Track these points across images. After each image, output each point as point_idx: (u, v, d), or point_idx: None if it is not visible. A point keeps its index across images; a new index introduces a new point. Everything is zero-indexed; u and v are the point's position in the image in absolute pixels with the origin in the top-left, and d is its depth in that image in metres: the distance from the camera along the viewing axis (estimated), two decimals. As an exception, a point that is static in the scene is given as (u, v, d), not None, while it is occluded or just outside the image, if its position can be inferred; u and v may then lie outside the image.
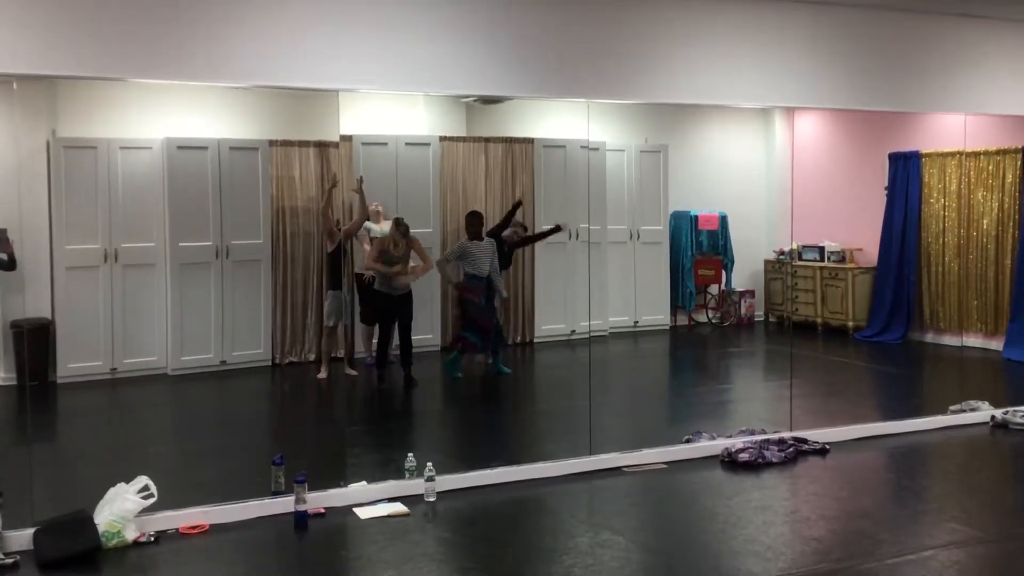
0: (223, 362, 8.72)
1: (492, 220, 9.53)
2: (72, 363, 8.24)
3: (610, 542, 4.62)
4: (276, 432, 6.96)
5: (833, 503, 5.24)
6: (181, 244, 8.62)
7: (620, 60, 5.91)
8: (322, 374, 8.40)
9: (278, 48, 5.13)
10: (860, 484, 5.70)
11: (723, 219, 11.17)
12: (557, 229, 8.69)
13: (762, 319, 11.39)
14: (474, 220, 8.31)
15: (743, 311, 11.28)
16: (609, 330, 9.32)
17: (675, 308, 11.01)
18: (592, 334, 9.32)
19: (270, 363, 8.89)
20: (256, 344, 8.92)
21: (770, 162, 11.63)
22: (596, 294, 8.76)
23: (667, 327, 10.69)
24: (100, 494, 4.82)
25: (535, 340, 9.86)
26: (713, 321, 11.18)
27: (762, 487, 5.39)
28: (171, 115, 8.67)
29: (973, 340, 9.15)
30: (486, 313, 8.07)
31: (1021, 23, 7.08)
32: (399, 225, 7.62)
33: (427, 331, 8.62)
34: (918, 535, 4.70)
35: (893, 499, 4.44)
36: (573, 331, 9.30)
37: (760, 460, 5.64)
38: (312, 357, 9.05)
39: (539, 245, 9.80)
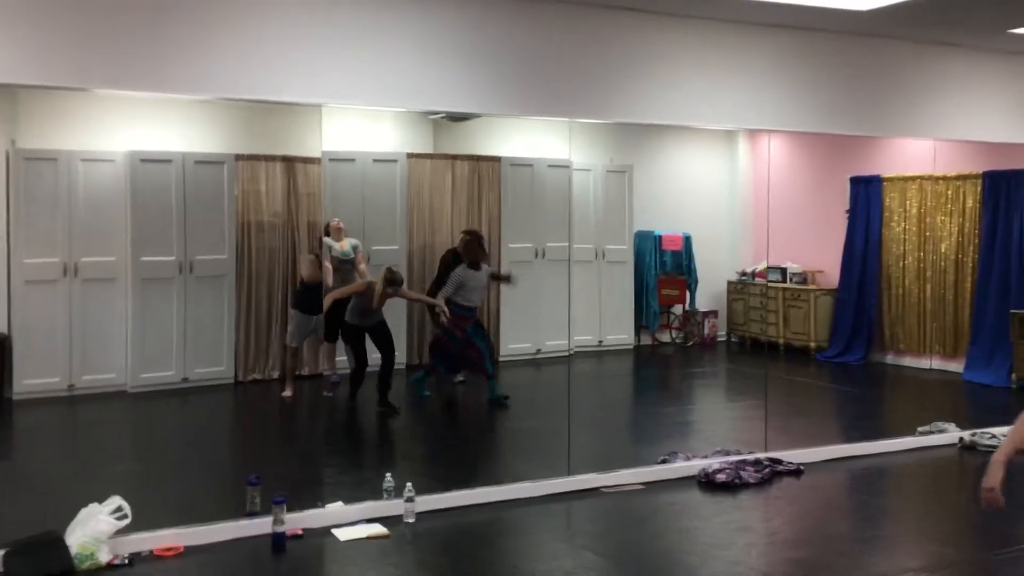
0: (185, 379, 8.55)
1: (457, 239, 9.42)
2: (29, 379, 8.03)
3: (594, 565, 4.59)
4: (245, 451, 6.83)
5: (812, 524, 5.27)
6: (143, 258, 8.46)
7: (601, 80, 5.92)
8: (287, 392, 8.28)
9: (256, 61, 5.04)
10: (837, 505, 5.75)
11: (687, 239, 11.27)
12: (507, 279, 8.47)
13: (724, 339, 11.49)
14: (474, 246, 8.02)
15: (706, 331, 11.37)
16: (574, 349, 9.31)
17: (639, 328, 11.06)
18: (557, 353, 9.33)
19: (233, 381, 8.74)
20: (219, 361, 8.77)
21: (733, 183, 11.77)
22: (562, 313, 8.73)
23: (631, 346, 10.73)
24: (68, 514, 4.67)
25: (500, 359, 9.83)
26: (676, 341, 11.24)
27: (741, 508, 5.41)
28: (135, 128, 8.53)
29: (933, 362, 9.31)
30: (463, 345, 7.89)
31: (984, 51, 7.25)
32: (392, 282, 7.33)
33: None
34: (898, 557, 4.74)
35: (871, 520, 4.47)
36: (539, 350, 9.29)
37: (737, 481, 5.66)
38: (276, 375, 8.92)
39: (506, 263, 9.78)
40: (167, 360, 8.52)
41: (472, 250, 7.94)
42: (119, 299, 8.42)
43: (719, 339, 11.46)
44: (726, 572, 4.37)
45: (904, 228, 9.79)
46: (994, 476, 3.17)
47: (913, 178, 9.68)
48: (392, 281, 7.38)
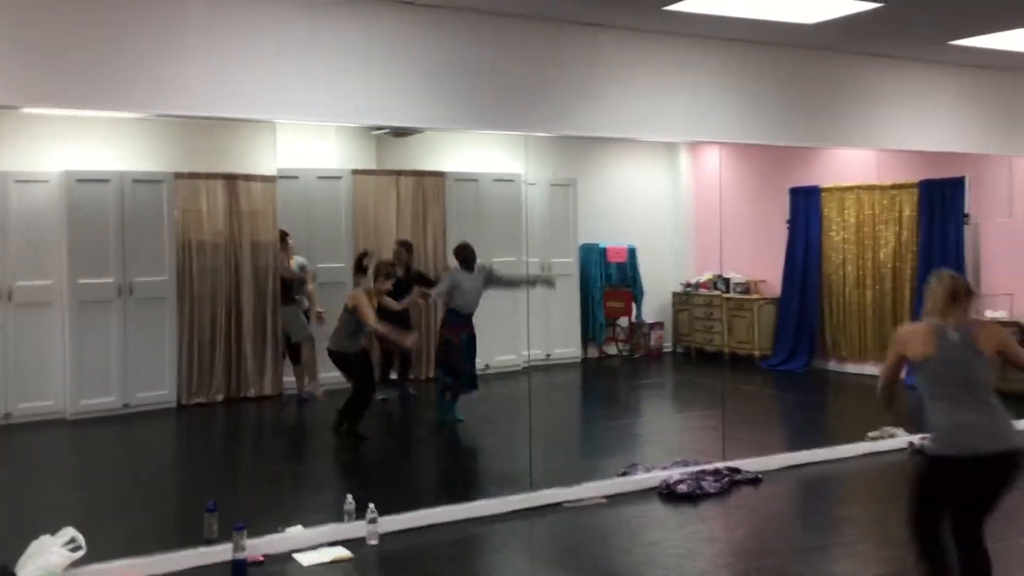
0: (126, 404, 8.31)
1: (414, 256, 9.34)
2: (-38, 409, 7.73)
3: (567, 581, 4.56)
4: (195, 477, 6.64)
5: (776, 533, 5.30)
6: (81, 281, 8.21)
7: (553, 93, 5.93)
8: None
9: (205, 78, 4.93)
10: (798, 513, 5.81)
11: (632, 251, 11.35)
12: (549, 283, 8.17)
13: (670, 350, 11.59)
14: (467, 251, 7.78)
15: (652, 342, 11.45)
16: (523, 364, 9.29)
17: (586, 340, 11.09)
18: (506, 368, 9.28)
19: (176, 404, 8.52)
20: (161, 385, 8.53)
21: (675, 195, 11.90)
22: (509, 328, 8.69)
23: (579, 359, 10.75)
24: (16, 546, 4.48)
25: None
26: (623, 353, 11.30)
27: (704, 518, 5.42)
28: (70, 147, 8.29)
29: (874, 368, 9.50)
30: (461, 355, 7.57)
31: (925, 63, 7.44)
32: (389, 274, 7.38)
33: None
34: (863, 563, 4.80)
35: (831, 528, 4.53)
36: (488, 365, 9.22)
37: (698, 491, 5.68)
38: (220, 398, 8.72)
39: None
40: (107, 385, 8.27)
41: (463, 249, 7.74)
42: (56, 323, 8.15)
43: (665, 350, 11.56)
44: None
45: (843, 237, 9.99)
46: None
47: (851, 188, 9.89)
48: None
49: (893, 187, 9.53)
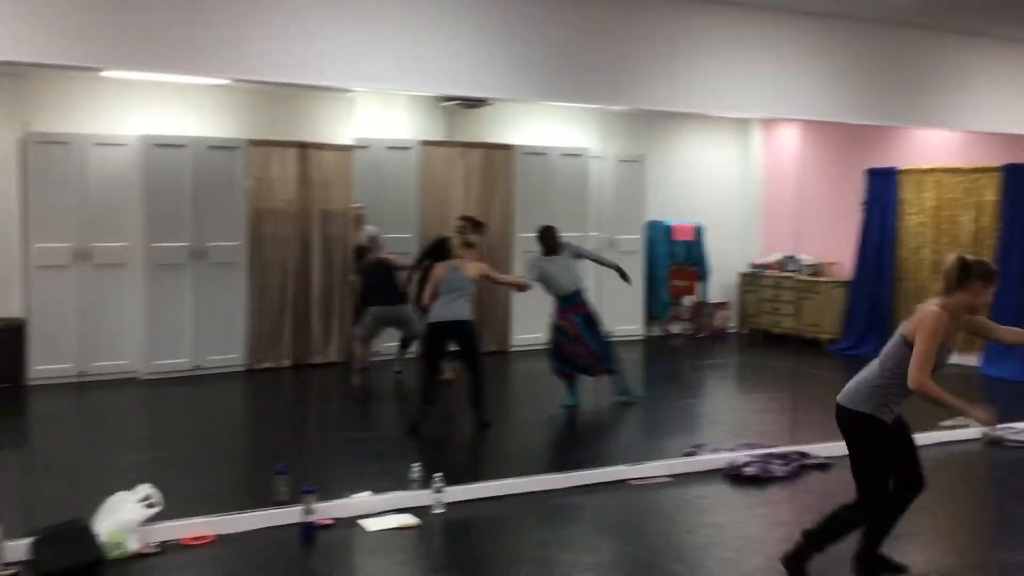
0: (197, 366, 8.48)
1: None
2: (41, 365, 7.96)
3: (633, 557, 4.53)
4: (265, 439, 6.76)
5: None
6: (156, 244, 8.36)
7: (628, 67, 5.84)
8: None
9: (286, 45, 4.95)
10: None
11: (699, 230, 11.21)
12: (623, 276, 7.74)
13: (735, 331, 11.45)
14: (548, 234, 7.43)
15: (717, 323, 11.32)
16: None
17: (649, 319, 11.01)
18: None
19: (245, 368, 8.68)
20: (231, 348, 8.70)
21: (746, 174, 11.71)
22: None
23: (641, 338, 10.68)
24: (92, 502, 4.60)
25: (512, 349, 9.77)
26: (686, 332, 11.19)
27: (771, 502, 5.35)
28: (148, 112, 8.43)
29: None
30: (572, 340, 7.24)
31: (1011, 41, 7.18)
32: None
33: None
34: (937, 554, 4.69)
35: (906, 516, 4.41)
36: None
37: (766, 474, 5.61)
38: (287, 363, 8.85)
39: (519, 252, 9.71)
40: (179, 347, 8.45)
41: (546, 236, 7.40)
42: (131, 285, 8.34)
43: (730, 331, 11.43)
44: (767, 568, 4.32)
45: (920, 220, 9.74)
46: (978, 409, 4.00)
47: (930, 170, 9.63)
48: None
49: (975, 171, 9.25)
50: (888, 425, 4.05)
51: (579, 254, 7.57)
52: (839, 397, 4.15)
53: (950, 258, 4.05)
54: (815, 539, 4.19)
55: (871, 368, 4.09)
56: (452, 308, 6.53)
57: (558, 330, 7.31)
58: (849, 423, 4.10)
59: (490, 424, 6.64)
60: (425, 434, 6.49)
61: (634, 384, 7.78)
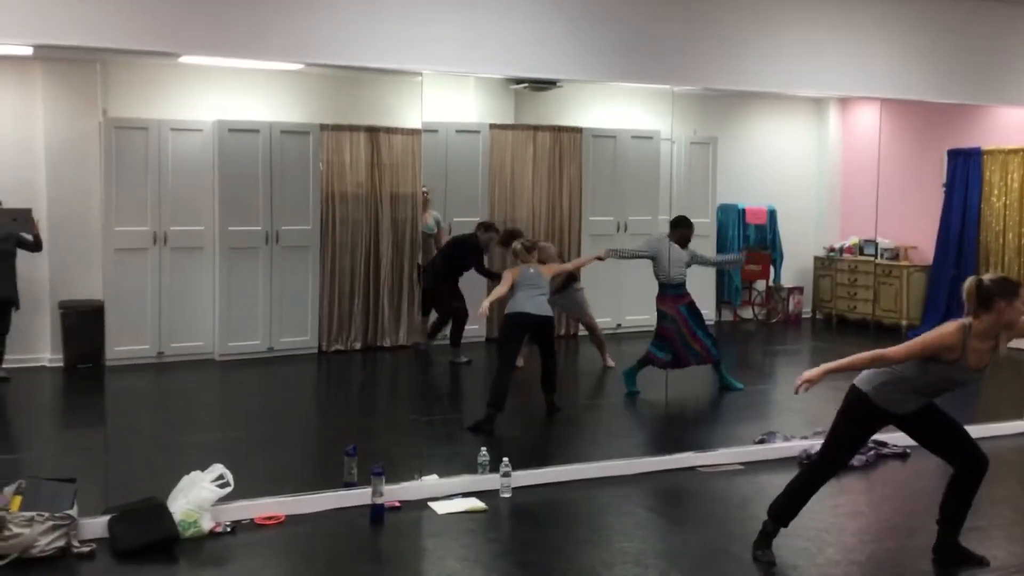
0: (270, 348, 8.60)
1: (541, 213, 9.31)
2: (120, 346, 8.14)
3: (703, 544, 4.47)
4: (335, 421, 6.83)
5: (923, 511, 5.00)
6: (230, 228, 8.49)
7: (701, 46, 5.74)
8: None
9: (354, 28, 4.97)
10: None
11: (771, 213, 10.97)
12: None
13: (809, 316, 11.21)
14: (681, 222, 7.65)
15: (791, 308, 11.09)
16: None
17: (720, 303, 10.84)
18: (638, 328, 9.14)
19: (316, 351, 8.77)
20: (303, 331, 8.79)
21: (821, 155, 11.41)
22: (643, 288, 8.51)
23: (712, 322, 10.51)
24: (168, 481, 4.70)
25: (576, 334, 9.71)
26: (759, 317, 10.99)
27: (847, 492, 5.23)
28: (222, 97, 8.53)
29: (1033, 343, 8.96)
30: (680, 326, 7.35)
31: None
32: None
33: (474, 321, 8.48)
34: (1019, 548, 4.55)
35: (989, 508, 4.27)
36: (619, 324, 9.10)
37: (841, 463, 5.47)
38: (358, 346, 8.93)
39: (587, 236, 9.63)
40: (253, 329, 8.58)
41: (680, 225, 7.63)
42: (207, 268, 8.47)
43: (804, 316, 11.19)
44: (842, 559, 4.23)
45: (1005, 203, 9.39)
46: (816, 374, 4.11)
47: (1016, 151, 9.27)
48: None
49: (1063, 150, 8.88)
50: (885, 411, 4.10)
51: (698, 260, 7.70)
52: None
53: (969, 281, 4.00)
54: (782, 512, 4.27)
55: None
56: (535, 303, 6.53)
57: (665, 318, 7.33)
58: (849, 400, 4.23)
59: (558, 409, 6.61)
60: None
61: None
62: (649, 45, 5.58)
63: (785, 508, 4.24)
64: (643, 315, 10.03)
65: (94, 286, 8.16)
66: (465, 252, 8.00)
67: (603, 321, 8.71)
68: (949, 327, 3.94)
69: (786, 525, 4.22)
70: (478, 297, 7.50)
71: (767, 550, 4.18)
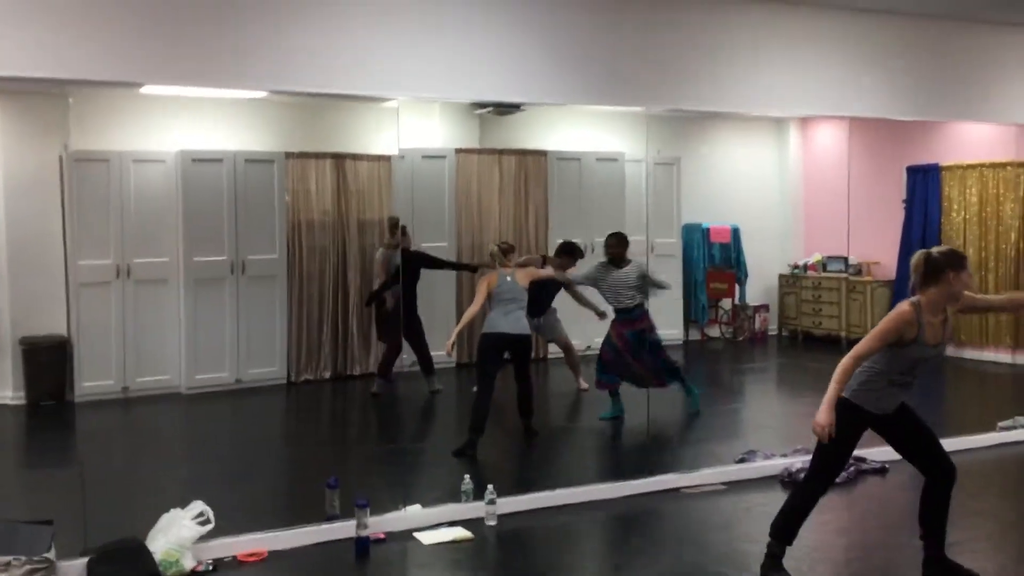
0: (238, 380, 8.47)
1: (508, 236, 9.29)
2: (87, 382, 7.97)
3: (695, 567, 4.44)
4: (310, 453, 6.73)
5: (908, 526, 5.05)
6: (195, 259, 8.38)
7: (669, 67, 5.78)
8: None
9: (326, 55, 4.93)
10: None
11: (735, 232, 11.08)
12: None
13: (776, 333, 11.31)
14: (615, 241, 7.40)
15: (757, 325, 11.18)
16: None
17: (688, 322, 10.89)
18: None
19: (286, 381, 8.66)
20: (271, 362, 8.68)
21: (783, 174, 11.57)
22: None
23: (681, 341, 10.56)
24: (146, 519, 4.59)
25: (548, 356, 9.69)
26: (726, 336, 11.06)
27: (831, 509, 5.22)
28: (184, 127, 8.44)
29: (998, 354, 9.10)
30: (618, 353, 7.14)
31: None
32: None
33: (441, 347, 8.42)
34: (1014, 561, 4.58)
35: (969, 521, 4.31)
36: (588, 347, 9.09)
37: (822, 479, 5.50)
38: (327, 375, 8.83)
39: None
40: (220, 361, 8.44)
41: (612, 244, 7.38)
42: (172, 300, 8.35)
43: (770, 333, 11.29)
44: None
45: (964, 217, 9.57)
46: (826, 415, 3.94)
47: (974, 166, 9.46)
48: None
49: (1020, 165, 9.09)
50: (865, 411, 4.11)
51: (644, 276, 7.40)
52: None
53: (917, 255, 4.15)
54: (783, 531, 4.25)
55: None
56: (511, 320, 6.36)
57: (607, 341, 7.21)
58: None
59: (536, 433, 6.56)
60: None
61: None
62: (615, 69, 5.60)
63: (784, 529, 4.23)
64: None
65: (56, 321, 7.99)
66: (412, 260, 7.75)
67: (574, 343, 8.71)
68: (902, 307, 4.02)
69: (790, 543, 4.21)
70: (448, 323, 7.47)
71: (781, 571, 4.14)
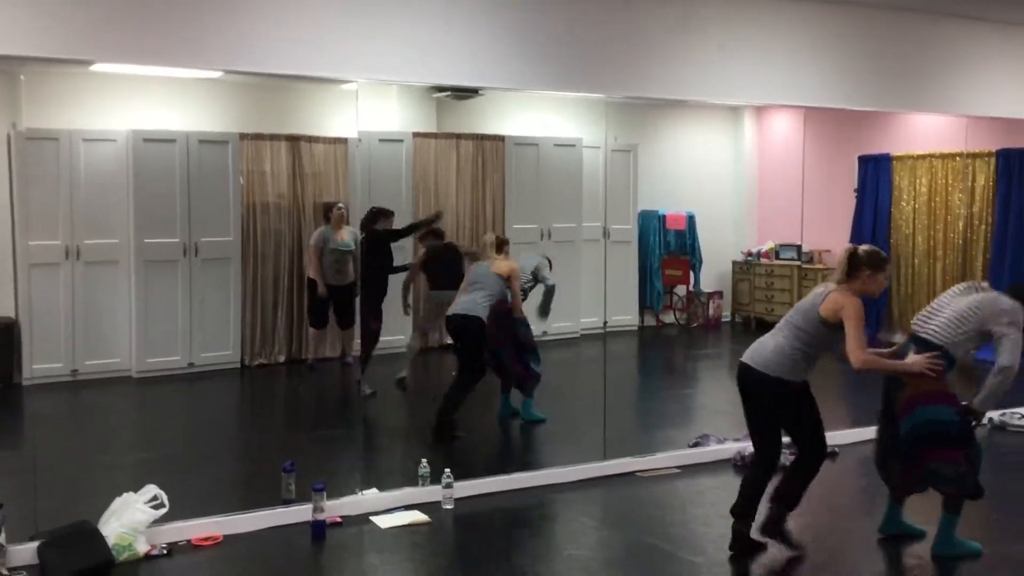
0: (190, 364, 8.37)
1: (465, 221, 9.29)
2: (35, 364, 7.83)
3: (651, 550, 4.49)
4: (265, 437, 6.68)
5: (862, 507, 5.18)
6: (147, 240, 8.25)
7: (627, 54, 5.79)
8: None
9: (284, 36, 4.87)
10: (880, 489, 5.69)
11: (691, 219, 11.18)
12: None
13: (729, 320, 11.44)
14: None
15: (711, 312, 11.31)
16: (581, 331, 9.20)
17: (643, 309, 10.98)
18: (563, 336, 9.20)
19: (239, 365, 8.57)
20: (225, 346, 8.58)
21: (738, 162, 11.69)
22: (567, 295, 8.58)
23: (635, 328, 10.64)
24: (96, 503, 4.52)
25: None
26: (681, 322, 11.17)
27: (781, 491, 5.33)
28: (137, 106, 8.30)
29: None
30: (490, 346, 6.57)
31: (1008, 25, 7.18)
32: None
33: (399, 332, 8.40)
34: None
35: (926, 504, 4.42)
36: (544, 332, 9.14)
37: (774, 463, 5.59)
38: (282, 359, 8.76)
39: (511, 245, 9.62)
40: (172, 344, 8.33)
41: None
42: (122, 282, 8.22)
43: (724, 320, 11.41)
44: (787, 556, 4.31)
45: (914, 207, 9.75)
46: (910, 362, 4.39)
47: (923, 156, 9.63)
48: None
49: (969, 155, 9.26)
50: (788, 382, 4.36)
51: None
52: (751, 360, 4.43)
53: (844, 249, 4.42)
54: (786, 500, 4.43)
55: (783, 338, 4.45)
56: (465, 302, 6.29)
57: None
58: (769, 387, 4.34)
59: (455, 437, 6.27)
60: (423, 430, 6.37)
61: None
62: (573, 54, 5.60)
63: (742, 506, 4.33)
64: (566, 322, 10.10)
65: (4, 303, 7.82)
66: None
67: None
68: (849, 298, 4.24)
69: (751, 518, 4.31)
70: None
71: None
